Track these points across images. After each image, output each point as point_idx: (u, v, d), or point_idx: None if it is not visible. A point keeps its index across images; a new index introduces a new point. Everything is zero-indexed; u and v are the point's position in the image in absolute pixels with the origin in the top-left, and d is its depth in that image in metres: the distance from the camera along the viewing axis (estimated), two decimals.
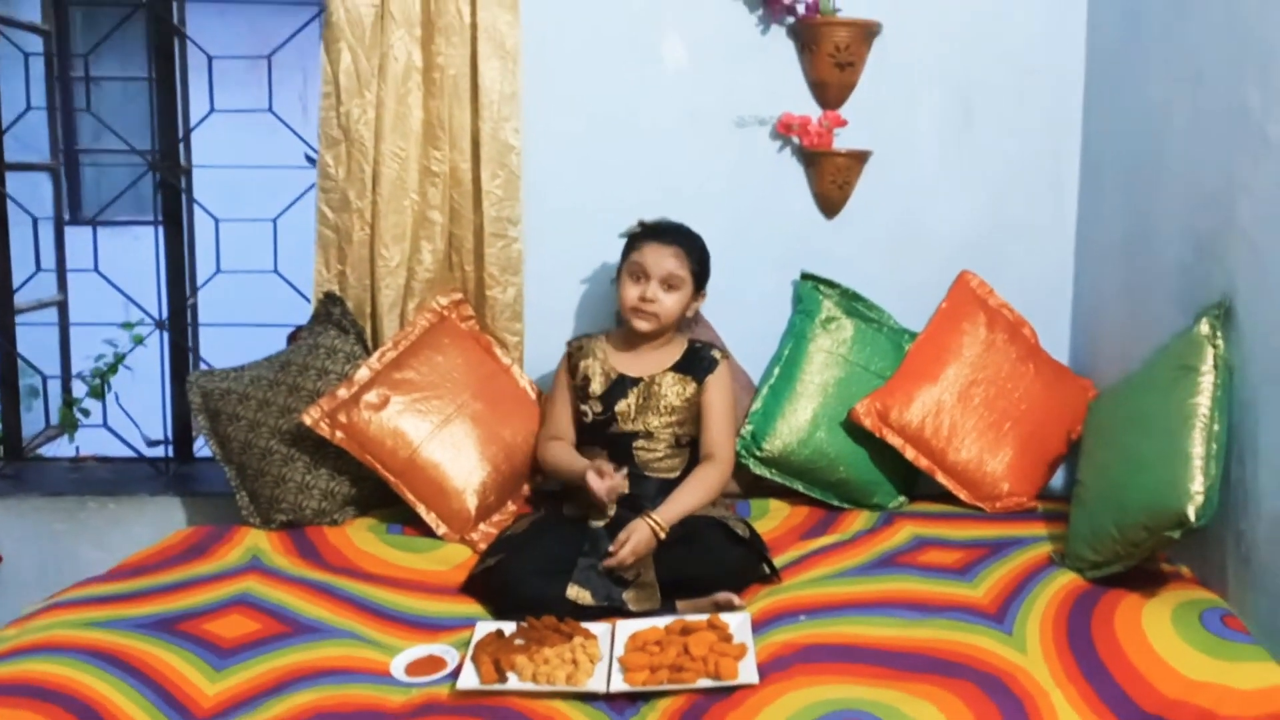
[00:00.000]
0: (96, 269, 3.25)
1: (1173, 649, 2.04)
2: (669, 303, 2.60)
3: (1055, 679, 2.01)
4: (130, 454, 3.27)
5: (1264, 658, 2.01)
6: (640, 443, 2.63)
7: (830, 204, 2.96)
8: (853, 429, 2.77)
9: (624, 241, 2.69)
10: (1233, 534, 2.21)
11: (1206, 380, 2.20)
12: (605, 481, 2.46)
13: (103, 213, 3.54)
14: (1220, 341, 2.23)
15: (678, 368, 2.66)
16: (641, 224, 2.67)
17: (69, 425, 3.44)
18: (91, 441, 3.40)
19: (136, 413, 3.36)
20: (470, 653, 2.12)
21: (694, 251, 2.64)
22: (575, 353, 2.72)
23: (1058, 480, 2.87)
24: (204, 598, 2.34)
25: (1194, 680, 1.97)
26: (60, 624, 2.18)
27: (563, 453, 2.65)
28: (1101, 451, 2.39)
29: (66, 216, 3.89)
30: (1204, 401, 2.18)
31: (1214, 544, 2.26)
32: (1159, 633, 2.08)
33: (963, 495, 2.74)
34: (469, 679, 2.04)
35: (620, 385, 2.65)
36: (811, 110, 2.91)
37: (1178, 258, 2.48)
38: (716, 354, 2.69)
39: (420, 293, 2.87)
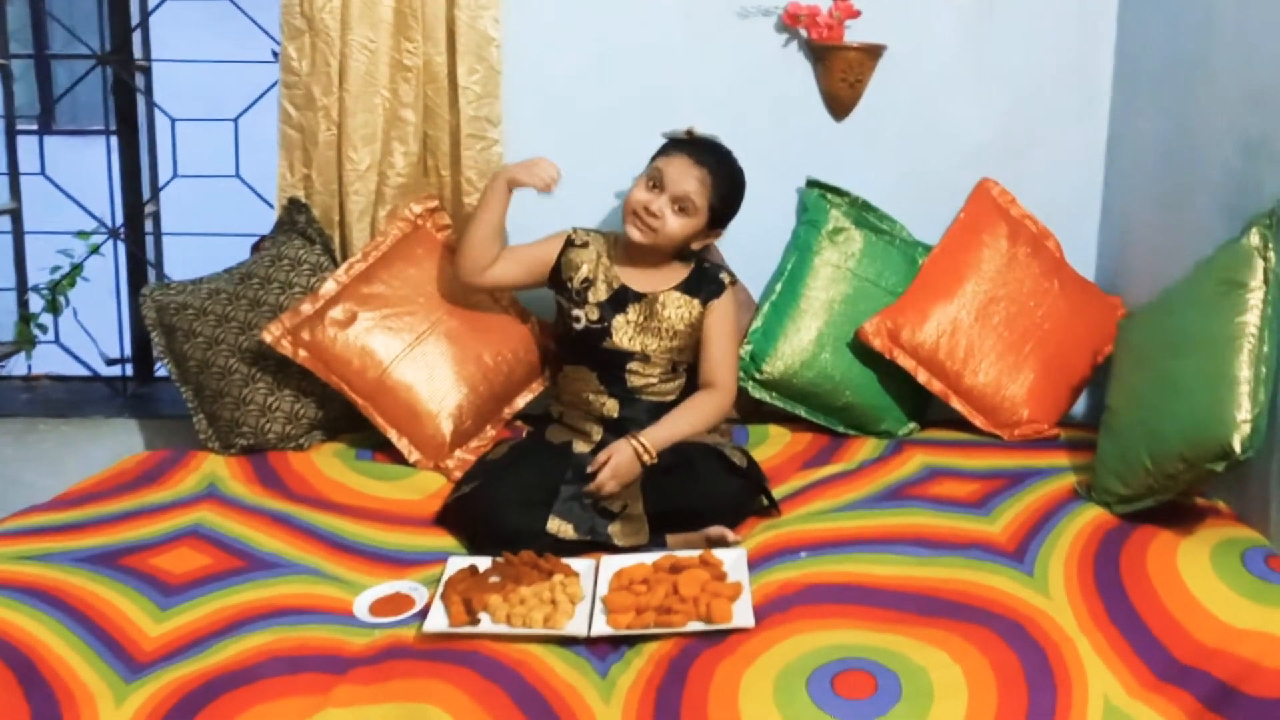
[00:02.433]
0: (43, 172, 3.03)
1: (1211, 593, 1.87)
2: (673, 225, 2.38)
3: (1081, 625, 1.85)
4: (86, 373, 3.07)
5: None
6: (634, 365, 2.43)
7: (840, 104, 2.74)
8: (860, 350, 2.60)
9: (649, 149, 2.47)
10: (1278, 465, 2.02)
11: (1255, 296, 2.01)
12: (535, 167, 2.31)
13: (57, 116, 3.31)
14: (1271, 254, 2.04)
15: (684, 288, 2.45)
16: (689, 131, 2.44)
17: (25, 342, 3.24)
18: (46, 360, 3.21)
19: (95, 329, 3.17)
20: (440, 591, 1.96)
21: (722, 183, 2.40)
22: (579, 243, 2.49)
23: (1080, 406, 2.71)
24: (152, 529, 2.19)
25: (1235, 628, 1.80)
26: None
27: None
28: (1135, 375, 2.19)
29: (36, 126, 3.66)
30: (1252, 320, 1.99)
31: (1255, 476, 2.08)
32: (1196, 575, 1.91)
33: (979, 422, 2.56)
34: (437, 620, 1.89)
35: (621, 297, 2.43)
36: None
37: (1223, 162, 2.27)
38: (725, 277, 2.48)
39: (392, 199, 2.68)
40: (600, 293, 2.43)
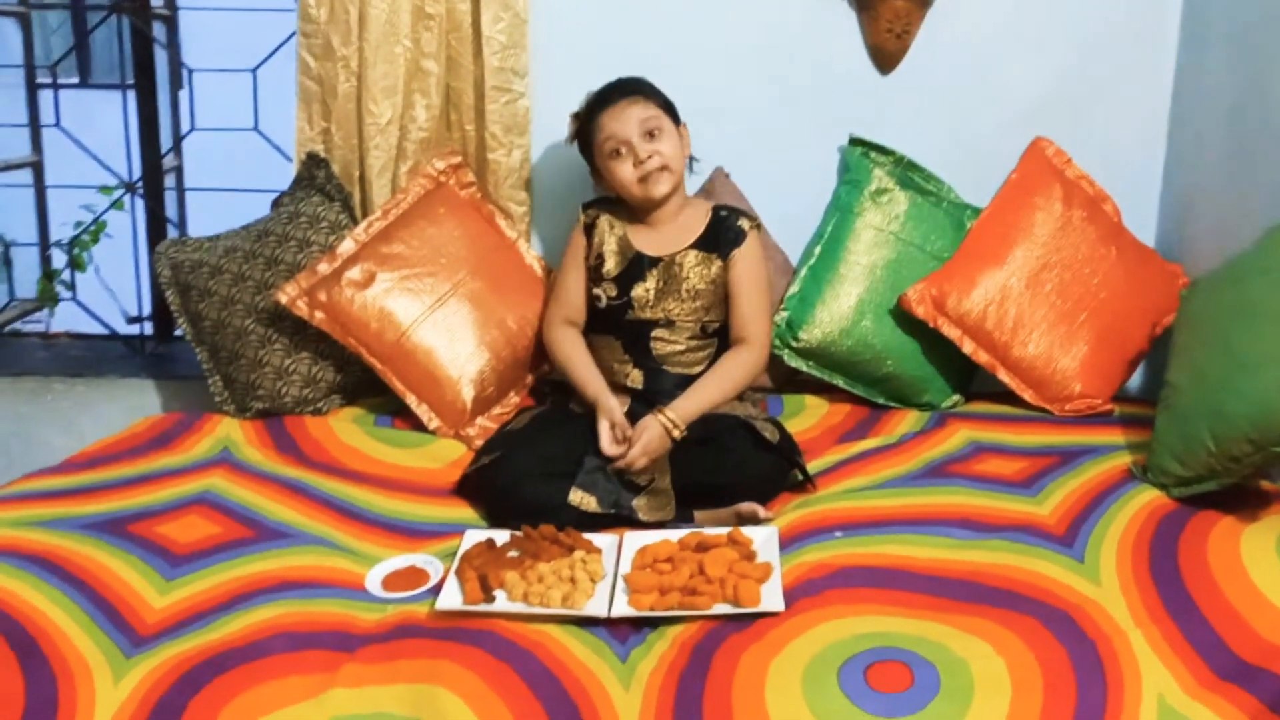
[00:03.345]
0: (58, 124, 2.95)
1: (1278, 585, 1.72)
2: (666, 148, 2.28)
3: (1135, 617, 1.72)
4: (105, 332, 3.01)
5: None
6: (659, 332, 2.31)
7: (885, 56, 2.60)
8: (903, 318, 2.47)
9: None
10: None
11: None
12: (617, 450, 2.15)
13: (93, 69, 3.23)
14: None
15: (700, 244, 2.33)
16: (576, 115, 2.36)
17: (48, 299, 3.20)
18: (68, 318, 3.15)
19: (117, 287, 3.11)
20: (455, 566, 1.88)
21: (647, 90, 2.32)
22: (591, 222, 2.40)
23: (1136, 381, 2.58)
24: (162, 495, 2.12)
25: None
26: None
27: (574, 356, 2.35)
28: (1198, 349, 2.05)
29: (61, 78, 3.59)
30: None
31: None
32: (1261, 565, 1.77)
33: (1028, 396, 2.44)
34: (451, 597, 1.81)
35: (637, 265, 2.32)
36: None
37: None
38: (745, 224, 2.35)
39: (414, 154, 2.57)
40: (614, 267, 2.33)
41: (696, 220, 2.37)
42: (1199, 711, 1.60)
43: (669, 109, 2.34)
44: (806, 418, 2.45)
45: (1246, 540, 1.83)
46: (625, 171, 2.29)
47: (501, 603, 1.80)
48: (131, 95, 2.90)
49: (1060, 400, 2.42)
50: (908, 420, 2.42)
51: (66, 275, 3.19)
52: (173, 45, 3.01)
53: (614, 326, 2.34)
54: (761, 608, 1.74)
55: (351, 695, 1.62)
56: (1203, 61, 2.53)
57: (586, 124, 2.34)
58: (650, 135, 2.28)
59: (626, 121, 2.27)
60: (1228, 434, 1.87)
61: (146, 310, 3.02)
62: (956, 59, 2.60)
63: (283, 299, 2.36)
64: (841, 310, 2.47)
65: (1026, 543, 1.89)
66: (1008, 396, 2.47)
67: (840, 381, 2.51)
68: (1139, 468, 2.08)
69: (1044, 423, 2.37)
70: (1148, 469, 2.05)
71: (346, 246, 2.42)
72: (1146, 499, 1.98)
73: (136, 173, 2.93)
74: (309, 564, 1.92)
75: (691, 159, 2.42)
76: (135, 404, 2.75)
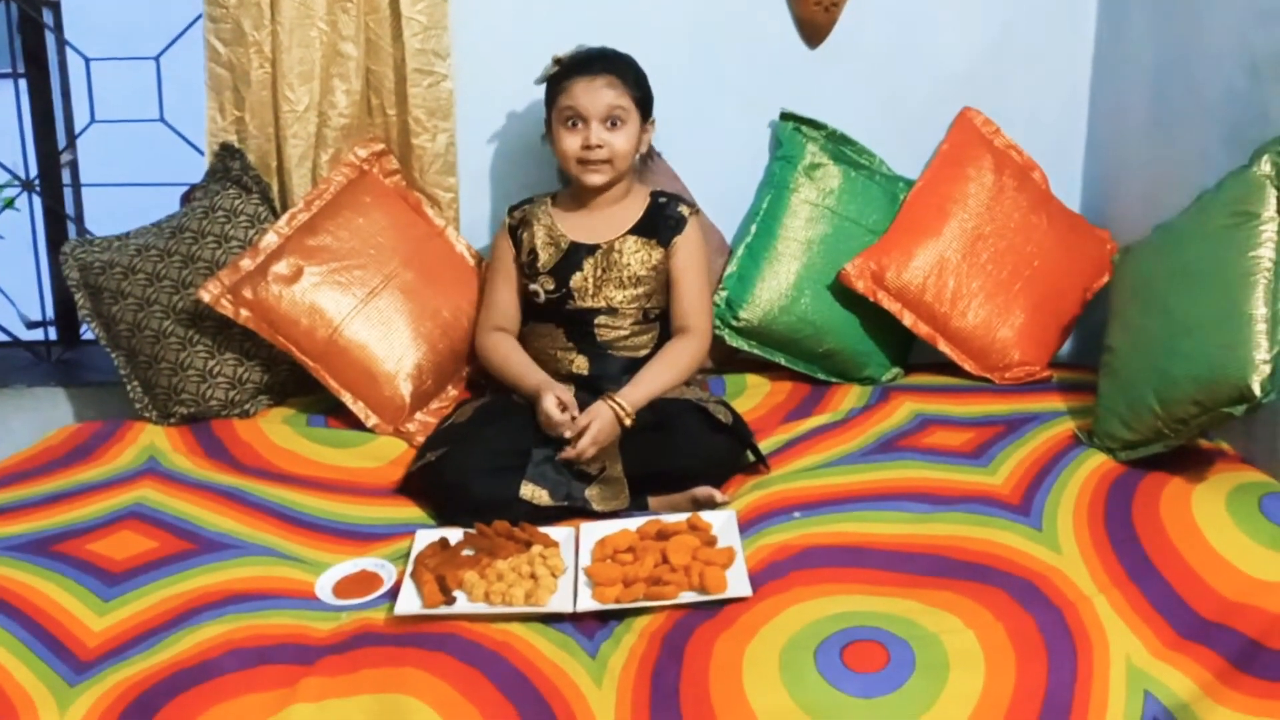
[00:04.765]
0: None
1: (1232, 543, 1.78)
2: (619, 142, 2.23)
3: (1097, 582, 1.76)
4: (5, 338, 2.84)
5: None
6: (602, 319, 2.27)
7: (814, 29, 2.57)
8: (841, 292, 2.46)
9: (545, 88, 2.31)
10: None
11: (1269, 229, 1.90)
12: (565, 416, 2.10)
13: None
14: None
15: (640, 230, 2.29)
16: (558, 61, 2.28)
17: None
18: None
19: (13, 290, 2.93)
20: (410, 569, 1.82)
21: (630, 76, 2.26)
22: (517, 223, 2.33)
23: (1067, 346, 2.60)
24: (88, 511, 2.03)
25: (1260, 580, 1.72)
26: None
27: (511, 356, 2.29)
28: (1138, 313, 2.08)
29: None
30: (1266, 254, 1.88)
31: (1263, 417, 1.97)
32: (1213, 524, 1.82)
33: (968, 366, 2.45)
34: (409, 601, 1.76)
35: (574, 255, 2.27)
36: None
37: (1226, 84, 2.15)
38: (684, 209, 2.32)
39: (335, 142, 2.46)
40: (549, 259, 2.28)
41: (634, 206, 2.32)
42: (1166, 671, 1.64)
43: (643, 103, 2.28)
44: (750, 397, 2.43)
45: (1197, 500, 1.87)
46: (570, 145, 2.24)
47: (463, 604, 1.75)
48: (4, 85, 2.73)
49: (1000, 369, 2.44)
50: (851, 395, 2.41)
51: None
52: (59, 31, 2.84)
53: (555, 317, 2.29)
54: (729, 594, 1.72)
55: (314, 710, 1.56)
56: (1124, 26, 2.54)
57: (555, 80, 2.27)
58: (611, 124, 2.23)
59: (595, 100, 2.21)
60: (1173, 396, 1.91)
61: (50, 313, 2.86)
62: (884, 31, 2.58)
63: (205, 297, 2.25)
64: (780, 287, 2.45)
65: (984, 514, 1.90)
66: (946, 367, 2.48)
67: (781, 359, 2.49)
68: (1085, 433, 2.11)
69: (985, 392, 2.39)
70: (1094, 434, 2.08)
71: (269, 240, 2.32)
72: (1095, 464, 2.01)
73: (31, 168, 2.76)
74: (255, 575, 1.84)
75: (649, 154, 2.39)
76: (46, 415, 2.60)
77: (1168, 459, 1.97)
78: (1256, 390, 1.79)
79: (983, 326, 2.42)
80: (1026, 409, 2.26)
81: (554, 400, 2.10)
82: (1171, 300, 2.00)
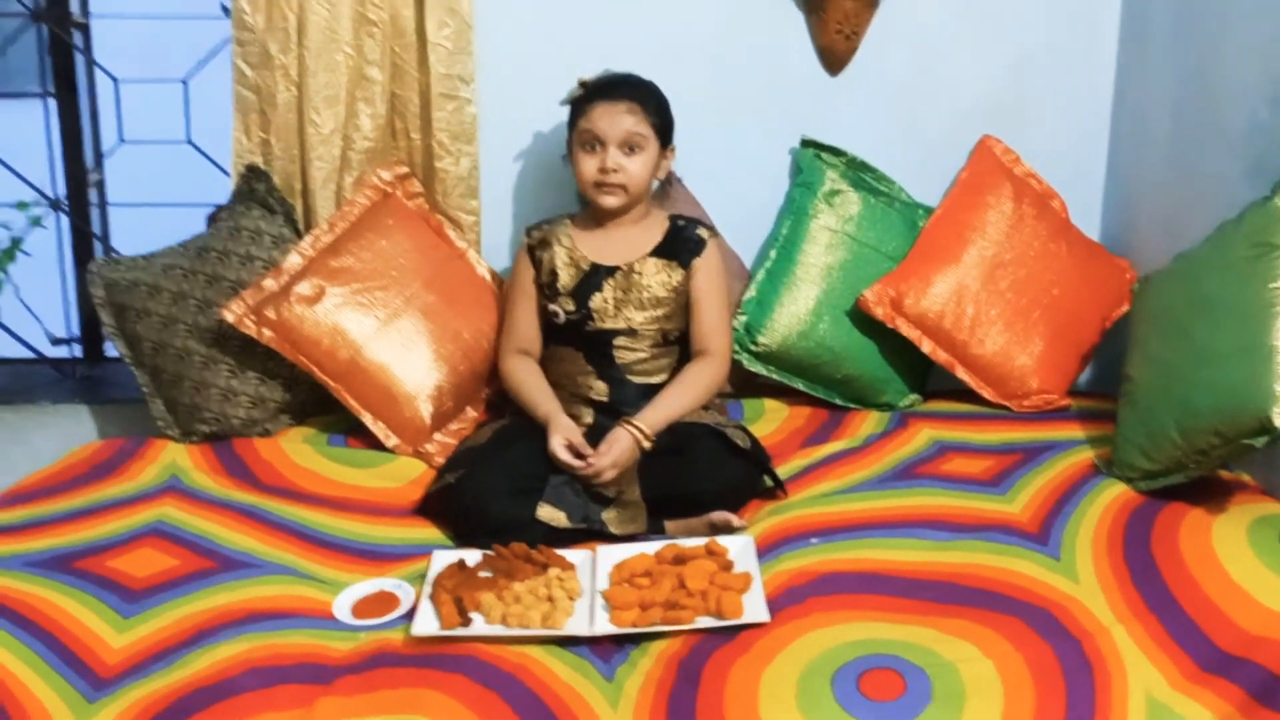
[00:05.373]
0: None
1: (1252, 575, 1.76)
2: (634, 168, 2.24)
3: (1116, 613, 1.75)
4: (31, 355, 2.88)
5: None
6: (621, 341, 2.28)
7: (835, 57, 2.58)
8: (860, 318, 2.46)
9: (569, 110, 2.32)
10: None
11: None
12: (570, 458, 2.10)
13: None
14: None
15: (660, 252, 2.30)
16: (583, 84, 2.30)
17: None
18: None
19: (39, 307, 2.96)
20: (428, 590, 1.83)
21: (652, 103, 2.28)
22: (536, 244, 2.35)
23: (1085, 375, 2.60)
24: (110, 528, 2.03)
25: None
26: None
27: (530, 382, 2.29)
28: (1159, 343, 2.07)
29: None
30: None
31: None
32: (1234, 556, 1.80)
33: (987, 393, 2.45)
34: (426, 622, 1.76)
35: (594, 276, 2.29)
36: None
37: (1248, 114, 2.15)
38: (703, 232, 2.33)
39: (359, 165, 2.49)
40: (569, 280, 2.29)
41: (653, 228, 2.34)
42: (1187, 705, 1.61)
43: (663, 130, 2.30)
44: (768, 422, 2.43)
45: (1217, 531, 1.85)
46: (587, 167, 2.26)
47: (480, 625, 1.75)
48: (33, 105, 2.75)
49: (1018, 396, 2.44)
50: (869, 421, 2.41)
51: None
52: (88, 53, 2.87)
53: (575, 339, 2.30)
54: (746, 619, 1.72)
55: None
56: (1145, 56, 2.55)
57: (579, 103, 2.29)
58: (629, 149, 2.25)
59: (614, 125, 2.23)
60: (1194, 427, 1.90)
61: (75, 330, 2.89)
62: (904, 59, 2.60)
63: (229, 317, 2.27)
64: (799, 313, 2.46)
65: (1002, 542, 1.90)
66: (964, 394, 2.48)
67: (800, 384, 2.49)
68: (1104, 462, 2.10)
69: (1004, 420, 2.39)
70: (1113, 463, 2.07)
71: (293, 261, 2.34)
72: (1114, 493, 2.00)
73: (59, 187, 2.79)
74: (274, 594, 1.85)
75: (668, 179, 2.40)
76: (69, 431, 2.62)
77: (1187, 490, 1.97)
78: (1277, 422, 1.78)
79: (1001, 354, 2.42)
80: (1045, 437, 2.26)
81: (560, 443, 2.11)
82: (1192, 330, 1.99)
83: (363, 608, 1.83)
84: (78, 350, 2.90)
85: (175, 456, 2.28)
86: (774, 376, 2.49)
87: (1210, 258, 2.04)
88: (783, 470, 2.20)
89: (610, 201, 2.27)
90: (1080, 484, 2.05)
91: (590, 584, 1.85)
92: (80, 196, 2.81)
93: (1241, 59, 2.19)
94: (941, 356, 2.45)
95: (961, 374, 2.45)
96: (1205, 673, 1.64)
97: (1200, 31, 2.34)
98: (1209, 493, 1.97)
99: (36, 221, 2.88)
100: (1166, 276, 2.16)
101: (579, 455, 2.10)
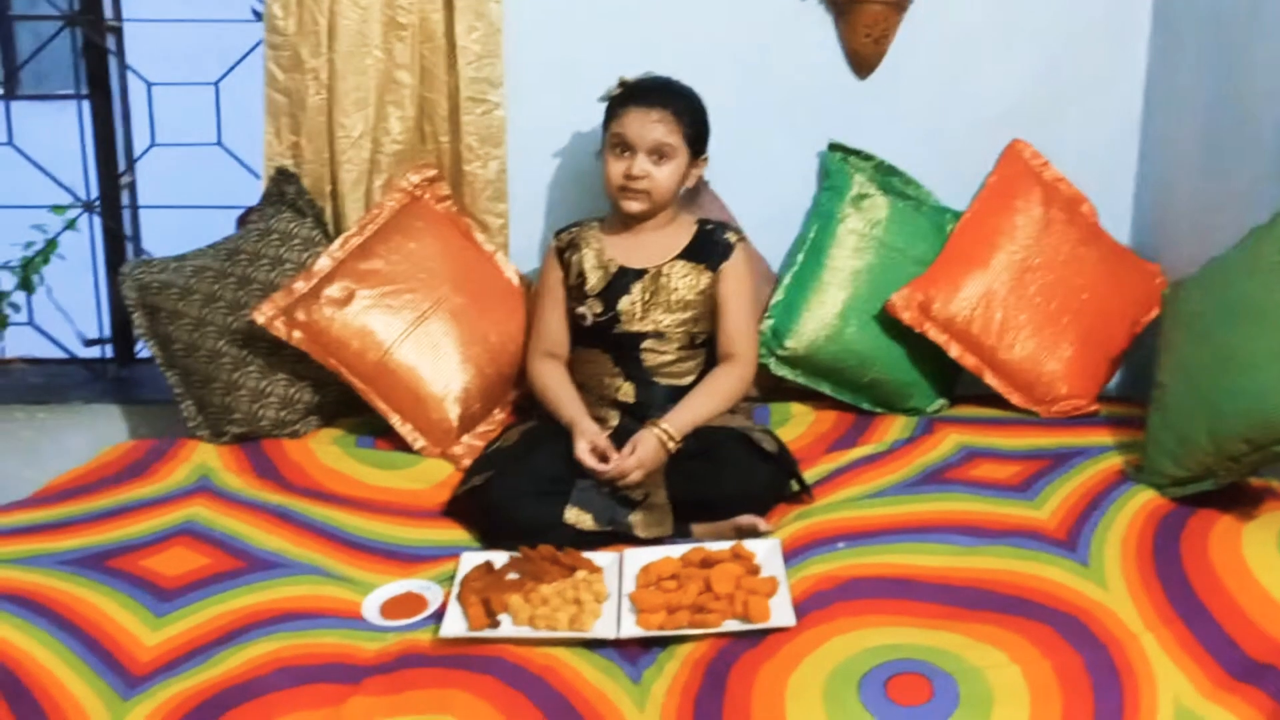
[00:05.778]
0: (10, 142, 2.84)
1: None
2: (661, 177, 2.24)
3: (1145, 620, 1.73)
4: (63, 355, 2.91)
5: None
6: (649, 344, 2.28)
7: (863, 61, 2.58)
8: (887, 323, 2.46)
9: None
10: None
11: None
12: (595, 463, 2.11)
13: (23, 82, 3.11)
14: None
15: (688, 254, 2.31)
16: (623, 83, 2.30)
17: None
18: (20, 342, 3.03)
19: (71, 308, 2.99)
20: (456, 591, 1.84)
21: (685, 113, 2.27)
22: (565, 246, 2.36)
23: (1115, 380, 2.58)
24: (142, 527, 2.05)
25: None
26: None
27: (552, 386, 2.30)
28: (1190, 348, 2.06)
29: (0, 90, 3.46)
30: None
31: None
32: (1265, 563, 1.78)
33: (1015, 398, 2.44)
34: (455, 624, 1.77)
35: (622, 279, 2.29)
36: None
37: (1277, 122, 2.12)
38: (731, 236, 2.34)
39: (388, 168, 2.51)
40: (597, 282, 2.30)
41: (681, 232, 2.35)
42: (1216, 713, 1.60)
43: (696, 140, 2.30)
44: (795, 426, 2.43)
45: (1247, 538, 1.84)
46: (614, 170, 2.27)
47: (507, 627, 1.76)
48: (67, 108, 2.77)
49: (1047, 402, 2.43)
50: (896, 426, 2.41)
51: (14, 298, 3.07)
52: (121, 56, 2.90)
53: (603, 341, 2.30)
54: (773, 623, 1.72)
55: None
56: (1175, 60, 2.54)
57: (614, 104, 2.29)
58: (658, 157, 2.25)
59: (645, 132, 2.24)
60: (1225, 433, 1.88)
61: (107, 331, 2.92)
62: (932, 63, 2.60)
63: (259, 319, 2.29)
64: (826, 317, 2.46)
65: (1030, 548, 1.89)
66: (992, 399, 2.48)
67: (826, 388, 2.49)
68: (1133, 468, 2.09)
69: (1032, 425, 2.38)
70: (1142, 469, 2.06)
71: (323, 264, 2.36)
72: (1143, 500, 1.99)
73: (92, 189, 2.82)
74: (303, 594, 1.86)
75: (697, 185, 2.41)
76: (101, 431, 2.65)
77: (1217, 497, 1.95)
78: None
79: (1030, 359, 2.41)
80: (1073, 443, 2.25)
81: (586, 449, 2.12)
82: (1222, 336, 1.98)
83: (391, 608, 1.84)
84: (109, 351, 2.93)
85: (205, 457, 2.30)
86: (800, 380, 2.49)
87: (1241, 263, 2.02)
88: (809, 474, 2.20)
89: (632, 206, 2.28)
90: (1109, 490, 2.04)
91: (617, 587, 1.86)
92: (113, 198, 2.84)
93: (1272, 63, 2.17)
94: (969, 361, 2.44)
95: (989, 379, 2.44)
96: (1236, 680, 1.63)
97: (1231, 36, 2.33)
98: (1239, 500, 1.95)
99: (70, 224, 2.91)
100: (1197, 282, 2.14)
101: (604, 459, 2.11)
